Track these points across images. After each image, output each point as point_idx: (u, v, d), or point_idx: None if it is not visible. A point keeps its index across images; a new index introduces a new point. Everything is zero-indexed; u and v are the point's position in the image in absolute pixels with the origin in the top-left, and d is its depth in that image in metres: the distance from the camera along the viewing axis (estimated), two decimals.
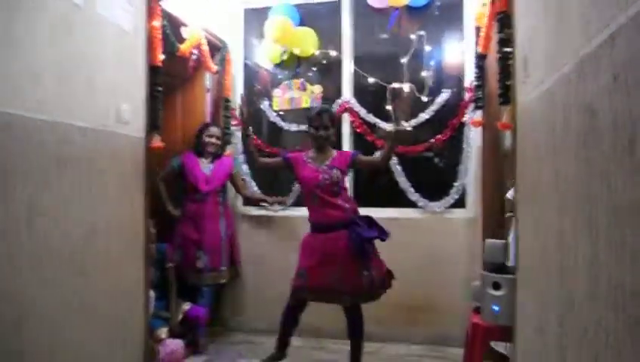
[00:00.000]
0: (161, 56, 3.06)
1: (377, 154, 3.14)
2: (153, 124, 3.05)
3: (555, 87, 1.67)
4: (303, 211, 3.22)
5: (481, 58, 3.43)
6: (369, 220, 3.02)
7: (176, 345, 3.37)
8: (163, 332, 3.35)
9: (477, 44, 3.49)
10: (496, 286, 2.40)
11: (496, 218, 3.26)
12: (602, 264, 1.18)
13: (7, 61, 2.00)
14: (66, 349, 2.33)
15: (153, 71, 3.03)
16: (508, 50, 2.50)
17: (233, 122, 4.16)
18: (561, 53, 1.60)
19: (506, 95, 2.49)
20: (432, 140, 3.85)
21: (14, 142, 2.02)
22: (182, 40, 3.48)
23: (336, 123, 3.22)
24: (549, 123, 1.71)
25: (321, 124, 3.05)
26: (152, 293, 3.27)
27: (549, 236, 1.67)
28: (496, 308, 2.38)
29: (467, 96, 3.76)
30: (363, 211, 3.22)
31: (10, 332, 2.00)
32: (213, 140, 3.80)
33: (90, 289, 2.51)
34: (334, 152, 3.14)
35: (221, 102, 4.13)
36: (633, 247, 1.01)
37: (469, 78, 3.74)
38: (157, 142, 3.09)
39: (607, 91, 1.19)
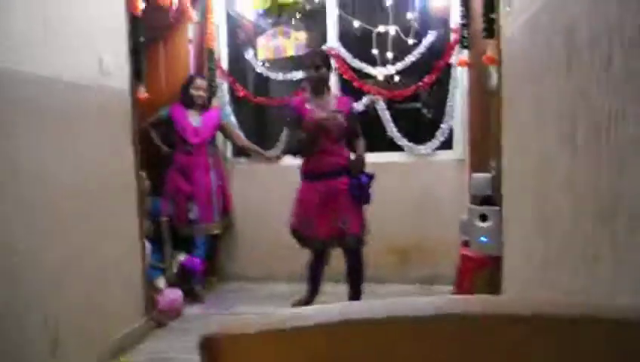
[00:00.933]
0: (142, 5, 3.00)
1: (359, 146, 3.12)
2: (137, 76, 3.02)
3: (538, 13, 1.67)
4: (293, 160, 3.25)
5: None
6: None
7: (176, 294, 3.45)
8: (161, 282, 3.42)
9: None
10: (484, 218, 2.47)
11: (484, 157, 3.30)
12: (582, 176, 1.22)
13: None
14: (69, 300, 2.40)
15: (134, 22, 2.97)
16: None
17: (218, 73, 4.12)
18: None
19: (490, 28, 2.48)
20: (419, 83, 3.84)
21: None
22: None
23: (329, 63, 3.16)
24: (533, 49, 1.73)
25: (312, 63, 3.04)
26: (147, 245, 3.33)
27: (532, 160, 1.72)
28: (484, 239, 2.46)
29: (453, 36, 3.74)
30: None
31: (7, 281, 2.04)
32: (201, 93, 3.77)
33: (87, 242, 2.55)
34: (333, 97, 3.15)
35: (204, 53, 4.07)
36: (609, 155, 1.05)
37: (455, 19, 3.70)
38: (142, 93, 3.07)
39: (586, 9, 1.21)
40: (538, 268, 1.65)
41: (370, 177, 3.02)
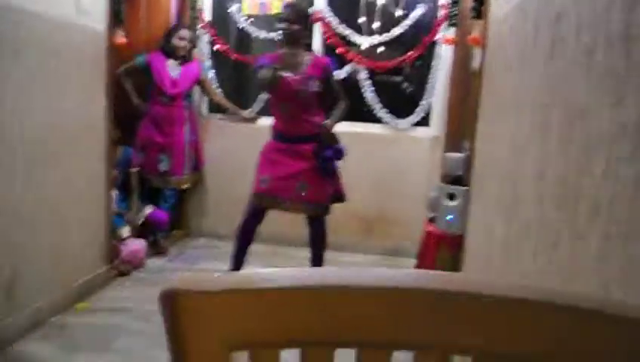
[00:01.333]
0: None
1: (334, 113, 2.90)
2: (116, 18, 2.90)
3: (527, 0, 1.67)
4: (267, 119, 3.20)
5: None
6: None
7: (139, 244, 3.42)
8: (125, 231, 3.38)
9: None
10: (452, 196, 2.52)
11: (459, 137, 3.34)
12: (550, 163, 1.25)
13: None
14: (30, 245, 2.35)
15: None
16: None
17: (200, 24, 4.00)
18: None
19: (479, 9, 2.47)
20: (403, 57, 3.82)
21: None
22: None
23: (307, 20, 2.91)
24: (520, 36, 1.73)
25: (285, 17, 2.80)
26: (114, 193, 3.28)
27: (504, 144, 1.74)
28: (450, 217, 2.51)
29: (441, 13, 3.71)
30: None
31: None
32: (184, 43, 3.66)
33: (51, 187, 2.50)
34: (309, 57, 2.87)
35: (187, 2, 3.93)
36: (579, 145, 1.07)
37: None
38: (119, 37, 2.97)
39: None
40: (499, 250, 1.70)
41: (337, 152, 2.83)
